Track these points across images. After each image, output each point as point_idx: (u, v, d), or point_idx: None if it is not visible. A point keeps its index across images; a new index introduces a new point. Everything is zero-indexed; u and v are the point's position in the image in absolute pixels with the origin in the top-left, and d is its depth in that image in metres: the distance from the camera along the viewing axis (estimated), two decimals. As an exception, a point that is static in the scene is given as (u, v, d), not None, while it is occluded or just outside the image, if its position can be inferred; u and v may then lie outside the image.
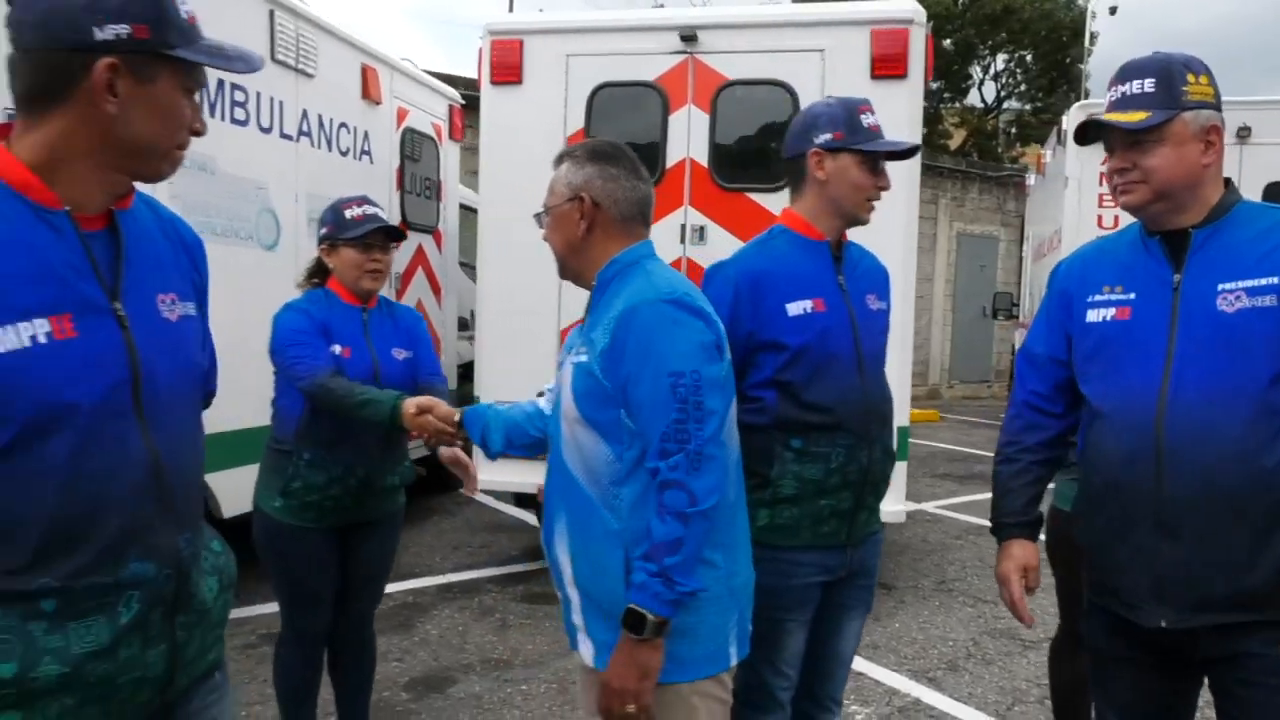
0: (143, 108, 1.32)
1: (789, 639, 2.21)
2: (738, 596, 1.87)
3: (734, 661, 1.88)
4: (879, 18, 4.79)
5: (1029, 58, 31.80)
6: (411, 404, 2.57)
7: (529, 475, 4.80)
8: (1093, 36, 31.79)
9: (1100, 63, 30.83)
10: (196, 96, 1.42)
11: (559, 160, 2.01)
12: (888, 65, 4.74)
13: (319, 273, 3.11)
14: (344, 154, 5.27)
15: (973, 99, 31.19)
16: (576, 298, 5.02)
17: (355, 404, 2.72)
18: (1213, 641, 1.90)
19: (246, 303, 4.34)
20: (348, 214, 2.98)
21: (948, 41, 32.05)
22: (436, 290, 6.53)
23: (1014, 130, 31.74)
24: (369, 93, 5.46)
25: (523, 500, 6.12)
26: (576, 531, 1.88)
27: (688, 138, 4.99)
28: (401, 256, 5.97)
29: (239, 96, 4.33)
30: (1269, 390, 1.84)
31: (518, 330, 5.16)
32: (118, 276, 1.37)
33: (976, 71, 32.11)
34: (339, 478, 2.88)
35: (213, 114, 4.17)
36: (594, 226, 1.92)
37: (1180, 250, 1.94)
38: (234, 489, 4.40)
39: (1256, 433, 1.84)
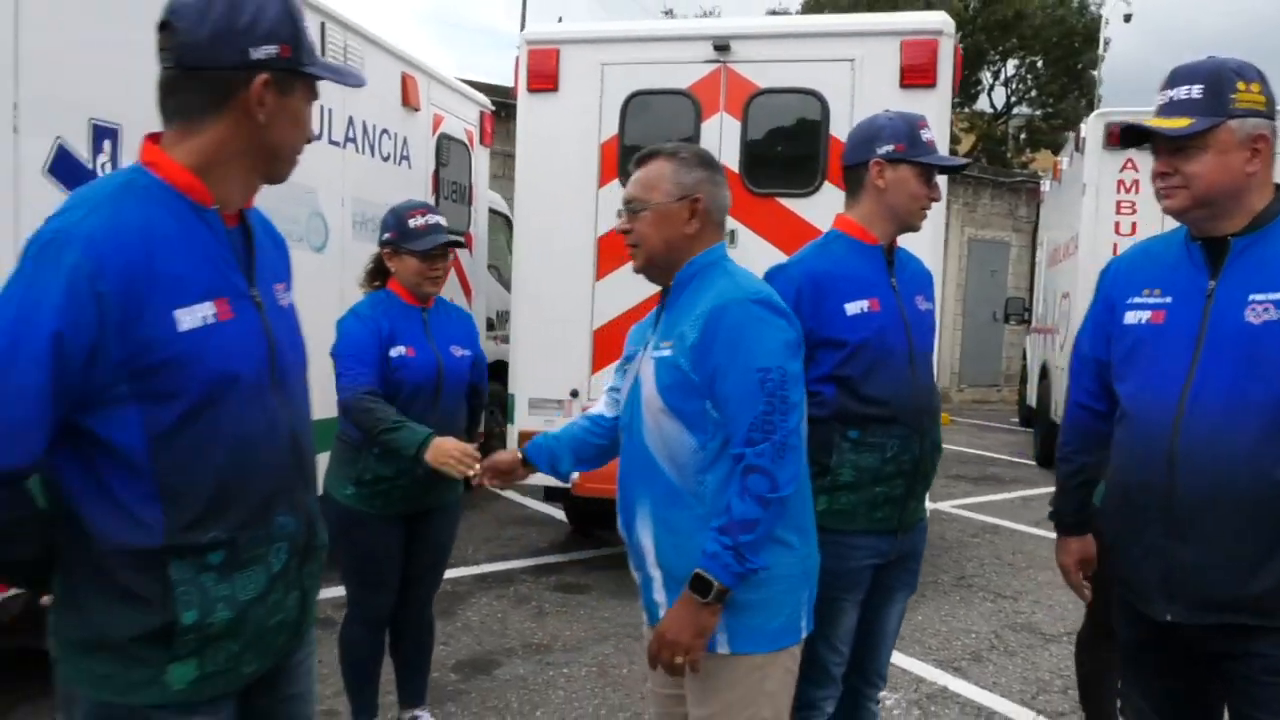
0: (284, 117, 1.51)
1: (844, 617, 2.37)
2: (809, 576, 2.01)
3: (804, 635, 2.01)
4: (909, 29, 4.96)
5: (1040, 63, 31.84)
6: (444, 446, 2.75)
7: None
8: (1105, 43, 31.79)
9: (1112, 69, 30.83)
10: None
11: (651, 156, 2.07)
12: (917, 75, 4.90)
13: (379, 274, 3.29)
14: (385, 159, 5.44)
15: (981, 104, 31.22)
16: (609, 301, 5.25)
17: (385, 428, 2.88)
18: (1220, 639, 1.94)
19: (297, 302, 4.52)
20: (411, 223, 3.15)
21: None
22: (468, 292, 6.70)
23: (1023, 136, 31.81)
24: (408, 100, 5.64)
25: (551, 494, 6.28)
26: (661, 516, 1.99)
27: (720, 144, 5.15)
28: (437, 258, 6.15)
29: (293, 104, 4.51)
30: None
31: (553, 333, 5.32)
32: (251, 267, 1.56)
33: (986, 77, 32.12)
34: (407, 469, 3.03)
35: (269, 121, 4.35)
36: (700, 230, 2.02)
37: (1219, 257, 1.95)
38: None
39: (1271, 444, 1.86)
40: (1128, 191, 8.33)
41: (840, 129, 5.02)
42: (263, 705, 1.62)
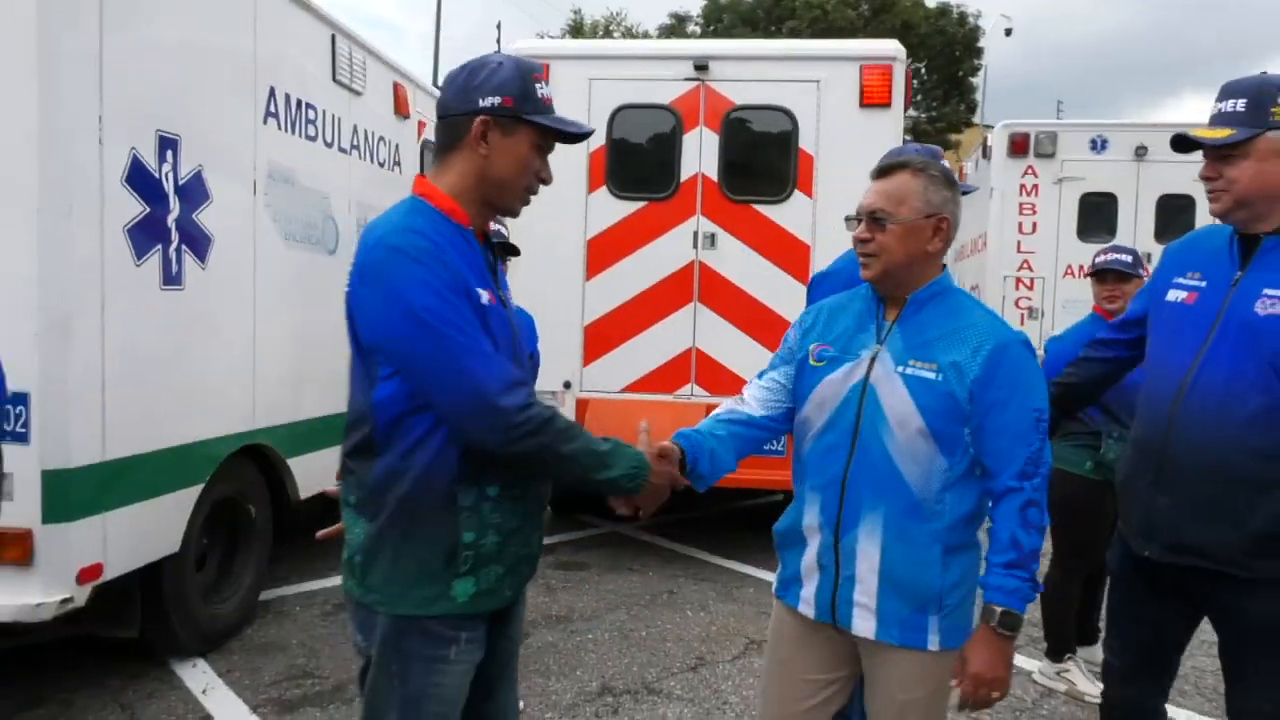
0: (504, 154, 1.87)
1: None
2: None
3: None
4: (867, 54, 5.53)
5: (923, 70, 33.50)
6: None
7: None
8: (980, 52, 33.70)
9: (990, 77, 32.71)
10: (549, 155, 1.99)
11: (896, 168, 2.06)
12: (874, 95, 5.47)
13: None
14: (382, 165, 5.70)
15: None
16: (599, 299, 5.65)
17: None
18: (1196, 582, 2.24)
19: (315, 302, 4.79)
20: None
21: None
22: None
23: (909, 138, 33.48)
24: (400, 108, 5.90)
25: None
26: (895, 526, 2.00)
27: (699, 155, 5.62)
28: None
29: (310, 115, 4.75)
30: (1277, 386, 2.06)
31: (547, 329, 5.66)
32: (495, 274, 1.94)
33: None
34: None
35: (292, 131, 4.58)
36: (941, 249, 2.05)
37: (1250, 252, 2.16)
38: (307, 473, 4.82)
39: (1260, 424, 2.07)
40: (1029, 195, 9.19)
41: (808, 143, 5.59)
42: (491, 639, 2.00)
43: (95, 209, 3.25)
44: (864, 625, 2.03)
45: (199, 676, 3.92)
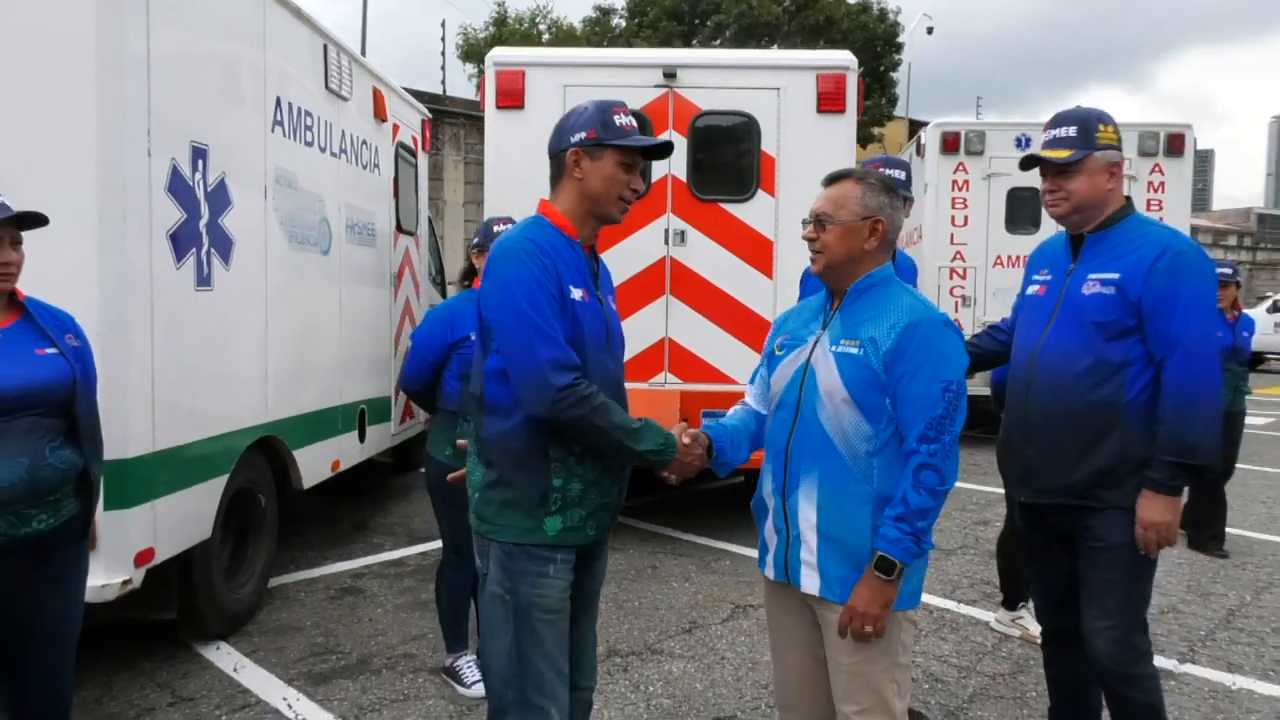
0: (595, 175, 2.31)
1: None
2: (927, 557, 2.28)
3: (920, 601, 2.34)
4: (823, 64, 5.98)
5: (846, 65, 34.12)
6: None
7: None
8: (900, 47, 34.77)
9: (916, 71, 33.84)
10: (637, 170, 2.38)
11: (840, 178, 2.33)
12: (830, 102, 5.92)
13: (469, 274, 3.94)
14: (364, 168, 5.92)
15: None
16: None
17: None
18: (1062, 518, 2.72)
19: (314, 299, 5.04)
20: (497, 229, 3.82)
21: (774, 47, 34.25)
22: (417, 288, 7.23)
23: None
24: (379, 113, 6.12)
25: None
26: (828, 488, 2.23)
27: (669, 159, 5.98)
28: (395, 258, 6.65)
29: (308, 122, 4.97)
30: (1101, 348, 2.59)
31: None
32: (596, 278, 2.35)
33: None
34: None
35: (293, 138, 4.81)
36: (877, 247, 2.29)
37: (1079, 248, 2.72)
38: (310, 462, 5.07)
39: (1089, 377, 2.60)
40: (960, 190, 9.84)
41: (770, 146, 6.01)
42: (578, 575, 2.36)
43: (145, 216, 3.48)
44: (810, 583, 2.26)
45: (226, 657, 4.16)
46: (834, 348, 2.26)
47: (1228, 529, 6.24)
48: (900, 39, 34.75)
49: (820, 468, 2.24)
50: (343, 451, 5.59)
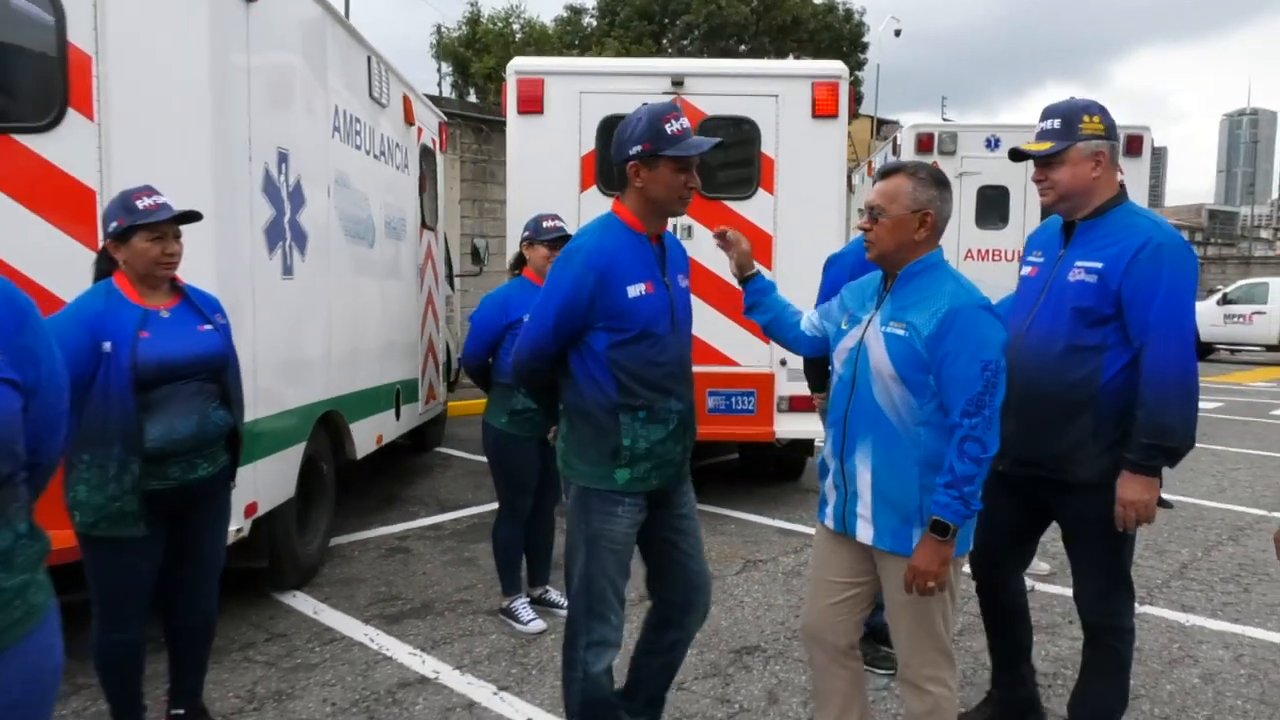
0: (654, 181, 2.74)
1: None
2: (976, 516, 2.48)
3: (969, 549, 2.61)
4: (817, 73, 6.58)
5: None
6: None
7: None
8: (865, 46, 35.52)
9: (873, 70, 34.69)
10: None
11: (893, 171, 2.52)
12: (824, 108, 6.52)
13: (519, 263, 4.49)
14: (397, 168, 6.43)
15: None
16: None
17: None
18: (1037, 486, 2.88)
19: (363, 288, 5.56)
20: (545, 224, 4.37)
21: (743, 47, 34.82)
22: (437, 279, 7.74)
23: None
24: (408, 117, 6.64)
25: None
26: (881, 451, 2.48)
27: (677, 159, 6.56)
28: (420, 251, 7.17)
29: (357, 127, 5.48)
30: (1079, 334, 2.72)
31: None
32: (664, 267, 2.85)
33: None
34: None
35: (347, 142, 5.32)
36: (927, 238, 2.50)
37: (1070, 235, 2.83)
38: (361, 436, 5.59)
39: (1067, 359, 2.73)
40: (932, 188, 10.48)
41: (769, 148, 6.60)
42: (665, 515, 2.92)
43: (248, 214, 3.99)
44: (865, 533, 2.55)
45: (305, 602, 4.67)
46: (884, 328, 2.49)
47: (1183, 498, 7.01)
48: (866, 39, 35.45)
49: (874, 434, 2.50)
50: (384, 427, 6.12)
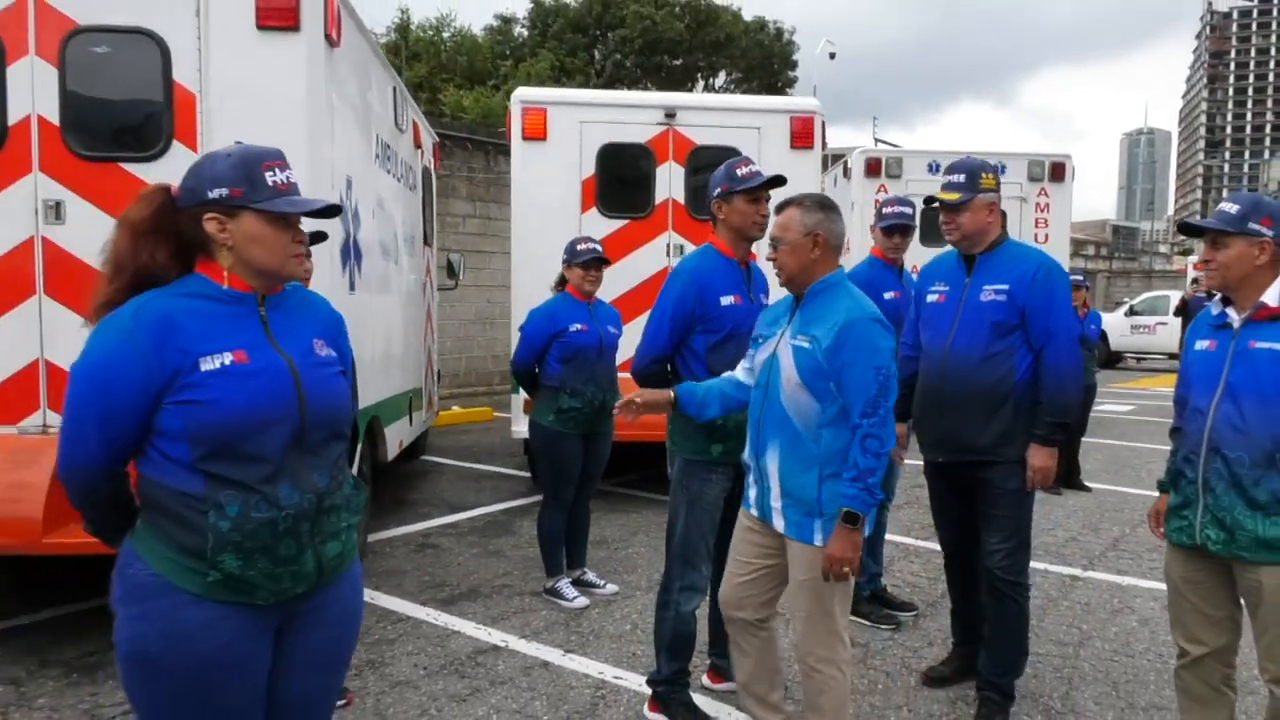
0: (733, 215, 3.36)
1: None
2: (877, 508, 2.81)
3: (866, 535, 2.81)
4: (795, 108, 7.29)
5: (744, 78, 36.04)
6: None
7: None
8: (795, 64, 36.75)
9: (804, 86, 35.89)
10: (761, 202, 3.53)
11: (785, 205, 2.88)
12: (801, 139, 7.23)
13: (562, 282, 5.03)
14: (410, 189, 6.89)
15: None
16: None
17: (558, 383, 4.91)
18: (969, 472, 3.47)
19: (390, 301, 6.03)
20: (579, 247, 4.92)
21: (677, 62, 35.58)
22: (434, 293, 8.20)
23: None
24: (418, 141, 7.11)
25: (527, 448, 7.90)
26: (787, 451, 2.79)
27: (670, 183, 7.19)
28: (423, 266, 7.62)
29: (389, 153, 5.95)
30: (994, 343, 3.35)
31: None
32: (749, 286, 3.45)
33: (700, 87, 35.81)
34: (588, 402, 4.84)
35: (382, 167, 5.78)
36: (822, 255, 2.82)
37: (971, 266, 3.47)
38: (390, 440, 6.04)
39: (989, 364, 3.36)
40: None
41: (752, 174, 7.25)
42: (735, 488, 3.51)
43: (334, 236, 4.44)
44: (778, 523, 2.86)
45: (357, 591, 5.09)
46: (792, 341, 2.81)
47: (1111, 486, 8.03)
48: (795, 57, 36.56)
49: (781, 437, 2.82)
50: (403, 432, 6.56)
